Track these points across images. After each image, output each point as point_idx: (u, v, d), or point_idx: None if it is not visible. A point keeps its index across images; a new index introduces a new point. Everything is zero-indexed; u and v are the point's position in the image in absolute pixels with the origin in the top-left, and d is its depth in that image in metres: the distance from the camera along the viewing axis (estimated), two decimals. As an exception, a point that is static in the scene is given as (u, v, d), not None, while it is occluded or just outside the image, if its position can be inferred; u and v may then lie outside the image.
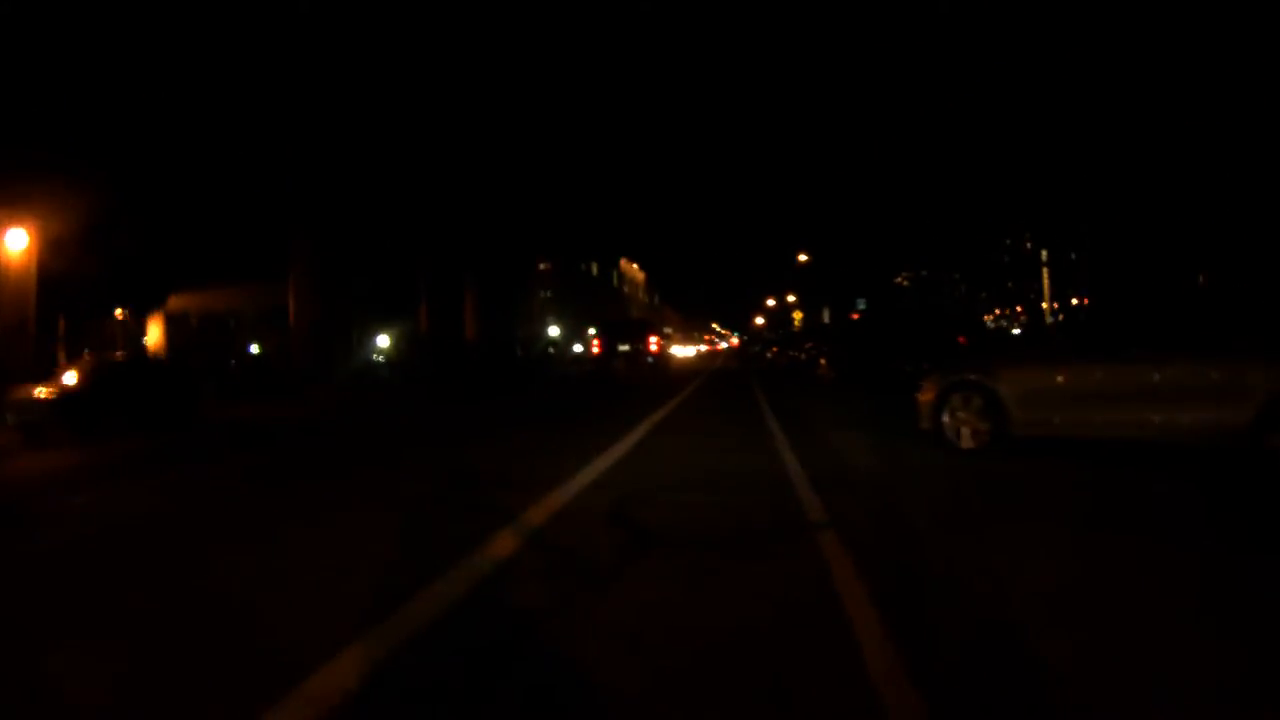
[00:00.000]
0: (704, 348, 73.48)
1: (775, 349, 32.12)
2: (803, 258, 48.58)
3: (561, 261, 55.52)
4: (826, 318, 58.71)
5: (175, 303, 41.09)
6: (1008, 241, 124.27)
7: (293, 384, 21.84)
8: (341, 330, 24.99)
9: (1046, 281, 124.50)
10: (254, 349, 40.36)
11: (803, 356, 21.48)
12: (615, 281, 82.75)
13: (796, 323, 55.79)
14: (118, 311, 29.32)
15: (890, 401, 9.70)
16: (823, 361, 17.13)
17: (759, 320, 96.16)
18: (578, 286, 59.73)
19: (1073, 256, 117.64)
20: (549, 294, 54.88)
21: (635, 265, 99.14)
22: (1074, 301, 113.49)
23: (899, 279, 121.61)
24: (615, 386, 17.88)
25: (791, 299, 63.39)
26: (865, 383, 13.03)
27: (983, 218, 73.75)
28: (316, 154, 21.89)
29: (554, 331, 53.39)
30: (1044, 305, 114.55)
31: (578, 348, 52.63)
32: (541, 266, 54.39)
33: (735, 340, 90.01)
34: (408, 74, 25.55)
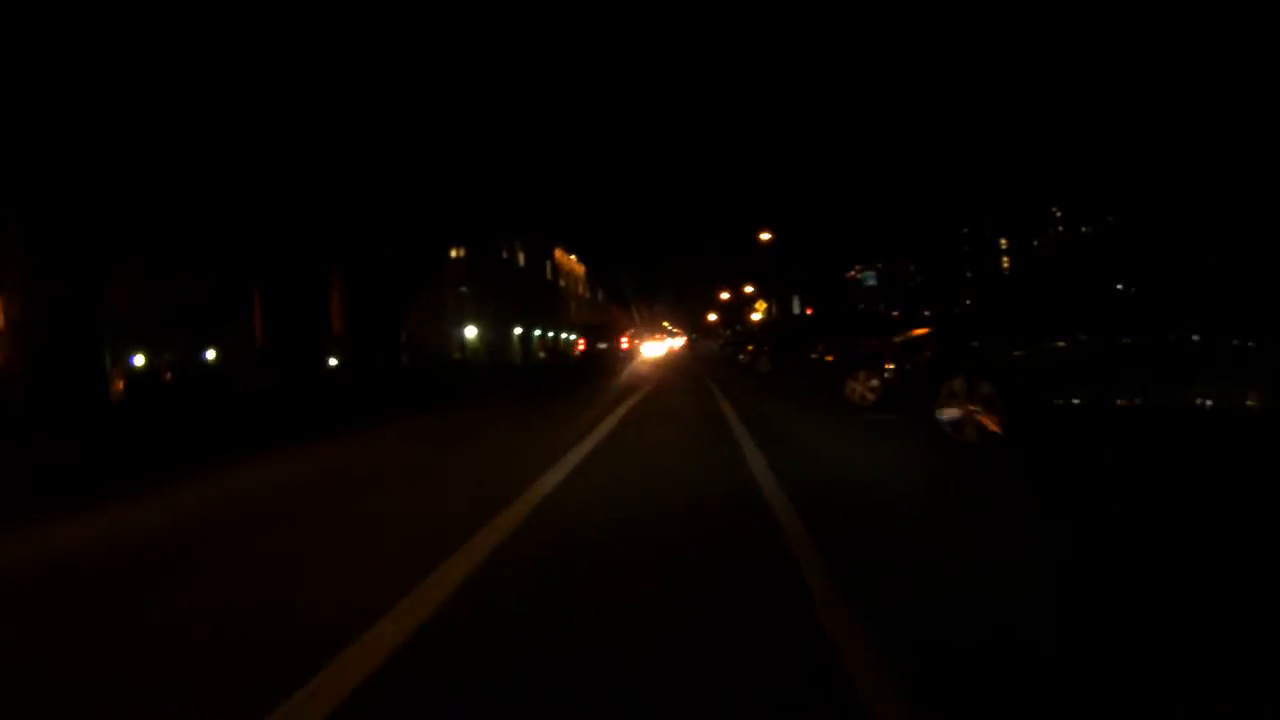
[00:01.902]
0: (662, 347, 64.25)
1: (751, 347, 23.83)
2: (765, 236, 40.99)
3: (480, 249, 46.38)
4: (796, 308, 51.24)
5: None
6: (965, 230, 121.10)
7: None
8: (85, 331, 15.38)
9: (1007, 267, 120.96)
10: (138, 360, 30.47)
11: (888, 369, 9.10)
12: (549, 274, 73.55)
13: (759, 313, 47.76)
14: None
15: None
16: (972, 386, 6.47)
17: (711, 316, 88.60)
18: (502, 279, 50.62)
19: (1035, 243, 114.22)
20: (466, 289, 45.63)
21: (573, 257, 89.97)
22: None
23: (851, 272, 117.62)
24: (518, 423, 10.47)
25: (749, 289, 55.92)
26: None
27: (943, 203, 69.61)
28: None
29: (471, 333, 44.38)
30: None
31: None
32: (454, 254, 45.11)
33: (686, 340, 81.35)
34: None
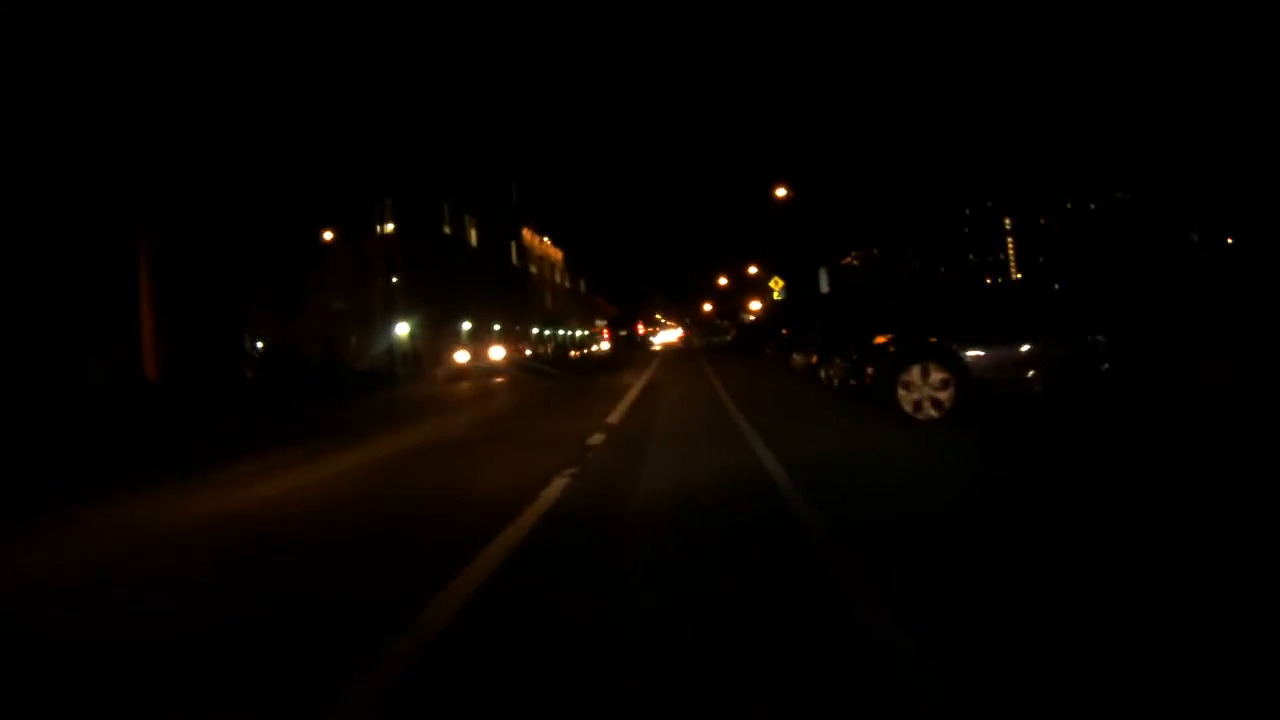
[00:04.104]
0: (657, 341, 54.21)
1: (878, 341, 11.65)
2: (781, 193, 31.60)
3: (410, 222, 36.08)
4: (824, 285, 41.95)
5: None
6: (967, 211, 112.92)
7: None
8: None
9: (1012, 250, 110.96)
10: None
11: None
12: (514, 258, 63.05)
13: (775, 292, 37.96)
14: None
15: None
16: None
17: (707, 306, 79.35)
18: (444, 262, 40.23)
19: (1041, 221, 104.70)
20: (396, 280, 35.15)
21: (547, 240, 79.51)
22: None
23: (848, 258, 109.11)
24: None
25: (754, 270, 46.37)
26: None
27: (943, 186, 62.49)
28: None
29: (403, 329, 34.11)
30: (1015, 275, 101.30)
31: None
32: (385, 229, 34.79)
33: (682, 333, 71.19)
34: None
